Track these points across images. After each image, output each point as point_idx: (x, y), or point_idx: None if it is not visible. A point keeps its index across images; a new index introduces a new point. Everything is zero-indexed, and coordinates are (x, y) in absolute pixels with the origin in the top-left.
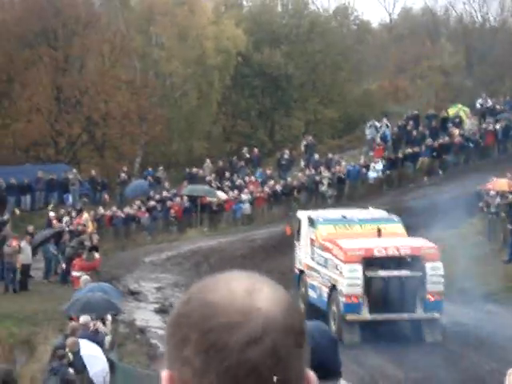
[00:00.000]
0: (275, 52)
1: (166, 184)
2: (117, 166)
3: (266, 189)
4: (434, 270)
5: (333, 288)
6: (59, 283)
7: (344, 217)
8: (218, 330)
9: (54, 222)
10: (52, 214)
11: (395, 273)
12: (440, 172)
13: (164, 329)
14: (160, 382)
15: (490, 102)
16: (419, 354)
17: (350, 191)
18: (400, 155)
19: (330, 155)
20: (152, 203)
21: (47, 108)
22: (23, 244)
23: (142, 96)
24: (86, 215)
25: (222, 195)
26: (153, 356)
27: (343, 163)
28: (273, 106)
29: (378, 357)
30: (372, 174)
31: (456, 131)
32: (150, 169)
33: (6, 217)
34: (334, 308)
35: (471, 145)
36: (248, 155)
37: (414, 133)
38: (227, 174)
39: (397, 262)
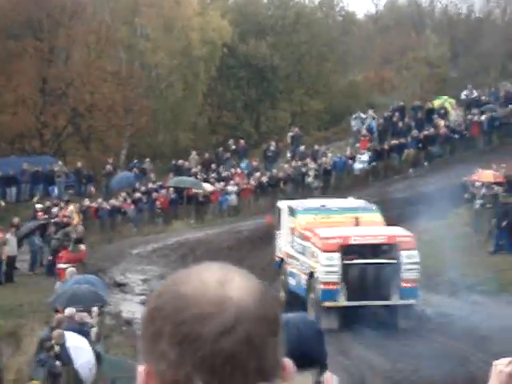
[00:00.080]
0: (261, 43)
1: (152, 176)
2: (102, 157)
3: (252, 180)
4: (410, 257)
5: (311, 275)
6: (45, 275)
7: (323, 206)
8: (190, 321)
9: (40, 214)
10: (39, 205)
11: (371, 261)
12: (425, 163)
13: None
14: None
15: (475, 94)
16: (404, 344)
17: (336, 182)
18: (386, 146)
19: (316, 147)
20: (138, 195)
21: (32, 100)
22: (9, 236)
23: (127, 87)
24: (71, 207)
25: (208, 187)
26: (139, 348)
27: (329, 155)
28: (258, 97)
29: (363, 348)
30: (358, 166)
31: (441, 122)
32: (135, 160)
33: None
34: (312, 295)
35: (456, 136)
36: (234, 147)
37: (400, 124)
38: (213, 166)
39: (373, 250)
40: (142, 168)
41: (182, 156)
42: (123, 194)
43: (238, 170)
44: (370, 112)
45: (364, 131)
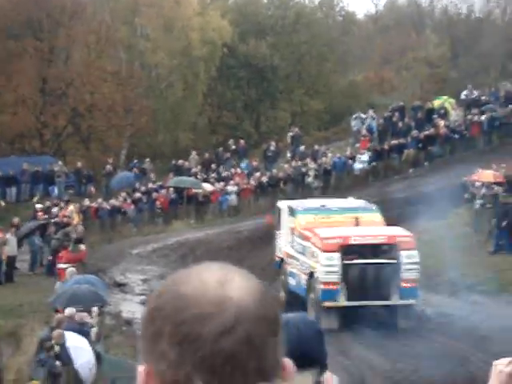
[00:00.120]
0: (261, 43)
1: (152, 176)
2: (102, 157)
3: (252, 180)
4: (409, 257)
5: (311, 275)
6: (45, 275)
7: (323, 206)
8: (190, 321)
9: (40, 214)
10: (39, 205)
11: (371, 261)
12: (425, 163)
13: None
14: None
15: (475, 94)
16: (404, 344)
17: (336, 183)
18: (386, 147)
19: (316, 147)
20: (138, 195)
21: (32, 100)
22: (9, 236)
23: (127, 87)
24: (71, 207)
25: (208, 187)
26: (139, 348)
27: (329, 155)
28: (258, 97)
29: (363, 348)
30: (358, 166)
31: (441, 122)
32: (135, 160)
33: None
34: (312, 295)
35: (456, 136)
36: (234, 147)
37: (400, 124)
38: (213, 166)
39: (373, 250)
40: (142, 168)
41: (182, 156)
42: (123, 194)
43: (238, 170)
44: (370, 112)
45: (364, 131)
